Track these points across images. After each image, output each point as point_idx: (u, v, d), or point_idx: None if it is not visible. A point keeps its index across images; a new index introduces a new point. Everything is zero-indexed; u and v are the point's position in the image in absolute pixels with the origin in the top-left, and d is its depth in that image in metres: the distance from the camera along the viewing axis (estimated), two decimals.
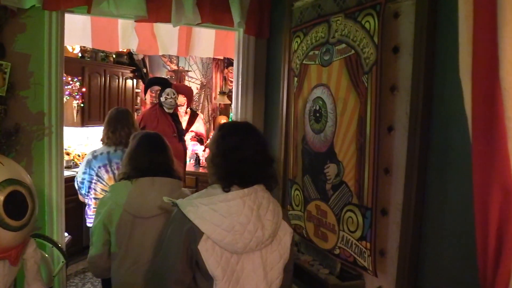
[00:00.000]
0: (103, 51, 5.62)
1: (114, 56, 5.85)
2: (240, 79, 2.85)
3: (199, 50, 3.65)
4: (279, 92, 2.60)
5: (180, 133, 3.99)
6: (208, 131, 6.43)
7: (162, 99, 3.84)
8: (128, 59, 6.11)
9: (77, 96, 5.24)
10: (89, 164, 2.83)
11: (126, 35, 3.27)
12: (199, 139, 6.23)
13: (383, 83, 1.77)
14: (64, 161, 5.06)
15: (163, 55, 6.53)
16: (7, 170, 1.53)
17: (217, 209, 1.34)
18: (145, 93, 4.68)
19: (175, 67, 6.53)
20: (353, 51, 1.90)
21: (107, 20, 3.17)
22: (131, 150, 1.95)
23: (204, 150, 5.90)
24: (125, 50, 5.96)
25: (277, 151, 2.64)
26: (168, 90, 3.80)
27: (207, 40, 3.53)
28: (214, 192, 1.39)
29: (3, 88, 2.16)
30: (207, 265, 1.33)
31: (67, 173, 4.95)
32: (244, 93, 2.85)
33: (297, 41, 2.37)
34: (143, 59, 6.34)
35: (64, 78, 5.04)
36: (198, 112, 6.44)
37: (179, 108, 6.29)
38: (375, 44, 1.76)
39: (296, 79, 2.40)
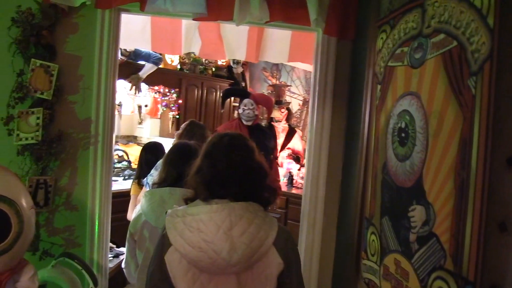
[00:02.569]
0: (202, 64, 5.59)
1: (213, 69, 5.80)
2: (317, 89, 2.34)
3: (271, 55, 3.24)
4: (361, 105, 2.04)
5: (262, 149, 3.62)
6: None
7: (240, 110, 3.63)
8: (227, 73, 6.01)
9: (173, 108, 5.28)
10: None
11: (189, 38, 3.03)
12: (296, 157, 5.82)
13: (502, 88, 1.13)
14: None
15: (265, 70, 6.31)
16: None
17: (186, 222, 1.30)
18: (222, 105, 4.56)
19: (275, 82, 6.25)
20: (455, 43, 1.29)
21: (169, 21, 2.96)
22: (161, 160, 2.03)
23: (299, 169, 5.45)
24: (224, 63, 5.87)
25: (356, 179, 2.06)
26: (245, 101, 3.57)
27: (281, 44, 3.09)
28: (194, 204, 1.36)
29: (49, 91, 2.03)
30: (172, 277, 1.29)
31: None
32: (321, 106, 2.33)
33: (382, 37, 1.80)
34: (242, 73, 6.17)
35: (161, 90, 5.21)
36: (298, 129, 6.05)
37: (277, 123, 6.01)
38: (489, 28, 1.14)
39: (379, 87, 1.82)
